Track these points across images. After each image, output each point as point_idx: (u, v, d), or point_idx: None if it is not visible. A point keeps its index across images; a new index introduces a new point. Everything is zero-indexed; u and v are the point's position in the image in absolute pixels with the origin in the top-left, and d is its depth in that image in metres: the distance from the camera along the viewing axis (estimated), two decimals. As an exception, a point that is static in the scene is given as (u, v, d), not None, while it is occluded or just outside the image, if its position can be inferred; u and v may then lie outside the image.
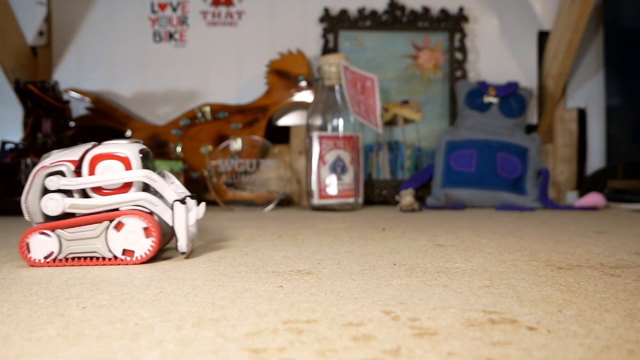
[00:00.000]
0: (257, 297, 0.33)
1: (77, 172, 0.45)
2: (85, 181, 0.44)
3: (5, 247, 0.55)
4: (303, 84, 1.18)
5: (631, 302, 0.32)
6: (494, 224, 0.75)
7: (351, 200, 1.02)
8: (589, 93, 1.27)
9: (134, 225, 0.44)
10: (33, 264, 0.44)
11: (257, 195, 1.12)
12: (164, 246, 0.52)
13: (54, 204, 0.44)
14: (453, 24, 1.21)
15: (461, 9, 1.21)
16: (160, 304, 0.31)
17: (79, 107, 1.18)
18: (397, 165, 1.20)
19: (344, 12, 1.21)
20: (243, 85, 1.23)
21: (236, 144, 1.13)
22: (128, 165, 0.45)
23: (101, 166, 0.45)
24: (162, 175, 0.49)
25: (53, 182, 0.44)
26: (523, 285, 0.36)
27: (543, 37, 1.25)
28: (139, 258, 0.45)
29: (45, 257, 0.44)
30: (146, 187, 0.46)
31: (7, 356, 0.23)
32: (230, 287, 0.36)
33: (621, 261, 0.45)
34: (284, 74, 1.18)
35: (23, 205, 0.45)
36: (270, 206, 1.07)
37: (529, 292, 0.34)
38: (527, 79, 1.24)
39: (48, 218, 0.45)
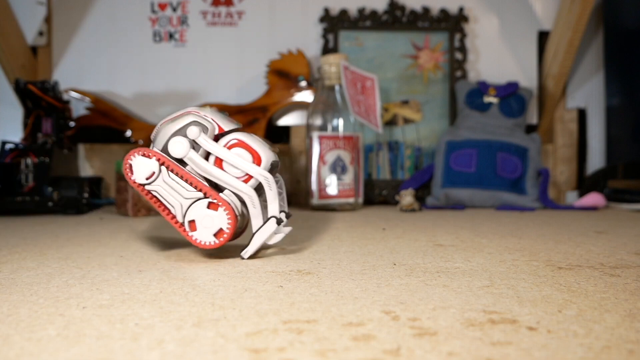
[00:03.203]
0: (257, 297, 0.33)
1: (215, 138, 0.47)
2: (220, 150, 0.46)
3: (6, 247, 0.55)
4: (303, 84, 1.18)
5: (631, 302, 0.32)
6: (494, 224, 0.75)
7: (351, 200, 1.02)
8: (589, 93, 1.27)
9: (219, 219, 0.45)
10: (133, 185, 0.45)
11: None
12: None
13: (180, 148, 0.45)
14: (453, 24, 1.21)
15: (461, 9, 1.21)
16: (160, 304, 0.31)
17: (79, 107, 1.18)
18: (397, 165, 1.20)
19: (344, 12, 1.21)
20: (243, 85, 1.23)
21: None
22: (257, 164, 0.46)
23: (235, 150, 0.46)
24: (280, 187, 0.50)
25: (193, 132, 0.45)
26: (523, 285, 0.36)
27: (543, 37, 1.25)
28: (196, 241, 0.45)
29: (147, 178, 0.45)
30: (257, 190, 0.48)
31: (7, 356, 0.23)
32: (230, 287, 0.36)
33: (621, 261, 0.45)
34: (284, 74, 1.18)
35: (158, 127, 0.46)
36: (270, 206, 1.07)
37: (529, 292, 0.34)
38: (527, 79, 1.24)
39: (166, 152, 0.46)
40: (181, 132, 0.46)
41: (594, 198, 1.03)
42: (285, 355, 0.23)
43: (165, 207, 0.46)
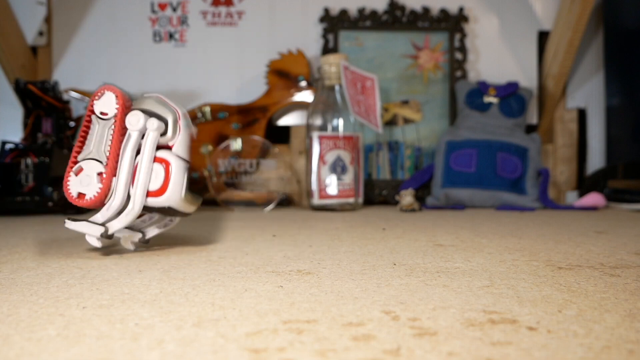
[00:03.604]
0: (257, 297, 0.33)
1: (165, 148, 0.49)
2: (146, 154, 0.48)
3: (6, 247, 0.55)
4: (303, 84, 1.18)
5: (631, 302, 0.32)
6: (494, 224, 0.75)
7: (351, 200, 1.02)
8: (589, 93, 1.27)
9: (91, 187, 0.48)
10: (89, 105, 0.49)
11: (257, 195, 1.12)
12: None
13: (133, 122, 0.47)
14: (453, 24, 1.21)
15: (461, 9, 1.21)
16: (160, 304, 0.31)
17: (79, 107, 1.18)
18: (397, 165, 1.20)
19: (344, 12, 1.21)
20: (243, 85, 1.23)
21: (236, 144, 1.13)
22: (159, 193, 0.48)
23: (156, 165, 0.48)
24: (156, 223, 0.53)
25: (151, 124, 0.48)
26: (523, 285, 0.36)
27: (543, 37, 1.25)
28: (67, 183, 0.47)
29: (101, 113, 0.48)
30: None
31: (7, 356, 0.23)
32: (230, 287, 0.36)
33: (621, 261, 0.45)
34: (284, 74, 1.18)
35: (153, 94, 0.50)
36: (270, 206, 1.07)
37: (529, 292, 0.34)
38: (527, 79, 1.24)
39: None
40: (149, 114, 0.48)
41: (594, 198, 1.03)
42: (285, 355, 0.23)
43: (83, 143, 0.48)
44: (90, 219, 0.47)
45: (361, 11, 1.21)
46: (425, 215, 0.90)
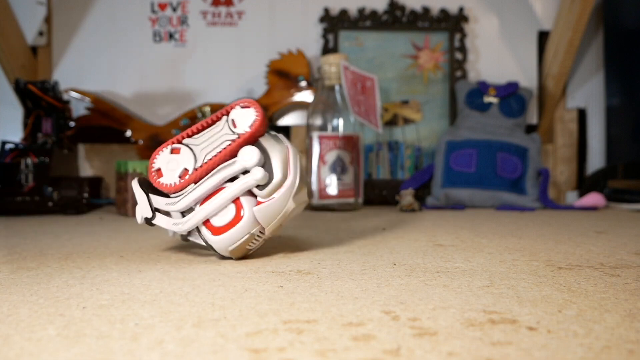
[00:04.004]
0: (257, 297, 0.33)
1: (250, 193, 0.46)
2: (231, 191, 0.45)
3: (5, 247, 0.55)
4: (303, 84, 1.18)
5: (631, 302, 0.32)
6: (494, 224, 0.75)
7: (351, 200, 1.02)
8: (589, 93, 1.27)
9: (172, 171, 0.46)
10: (229, 108, 0.47)
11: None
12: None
13: (247, 158, 0.44)
14: (453, 24, 1.21)
15: (461, 9, 1.21)
16: (160, 304, 0.31)
17: (79, 107, 1.18)
18: (397, 165, 1.20)
19: (344, 12, 1.21)
20: (243, 85, 1.23)
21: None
22: (224, 228, 0.45)
23: (234, 205, 0.45)
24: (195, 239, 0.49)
25: (256, 173, 0.44)
26: (523, 285, 0.36)
27: (543, 37, 1.25)
28: (157, 153, 0.47)
29: (233, 121, 0.46)
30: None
31: (7, 356, 0.23)
32: (230, 287, 0.36)
33: (621, 261, 0.45)
34: (284, 74, 1.18)
35: (289, 145, 0.48)
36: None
37: (529, 292, 0.34)
38: (527, 79, 1.24)
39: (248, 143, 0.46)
40: (263, 161, 0.45)
41: (594, 198, 1.03)
42: (285, 355, 0.23)
43: (199, 132, 0.47)
44: (150, 196, 0.46)
45: (361, 11, 1.21)
46: (425, 215, 0.90)
